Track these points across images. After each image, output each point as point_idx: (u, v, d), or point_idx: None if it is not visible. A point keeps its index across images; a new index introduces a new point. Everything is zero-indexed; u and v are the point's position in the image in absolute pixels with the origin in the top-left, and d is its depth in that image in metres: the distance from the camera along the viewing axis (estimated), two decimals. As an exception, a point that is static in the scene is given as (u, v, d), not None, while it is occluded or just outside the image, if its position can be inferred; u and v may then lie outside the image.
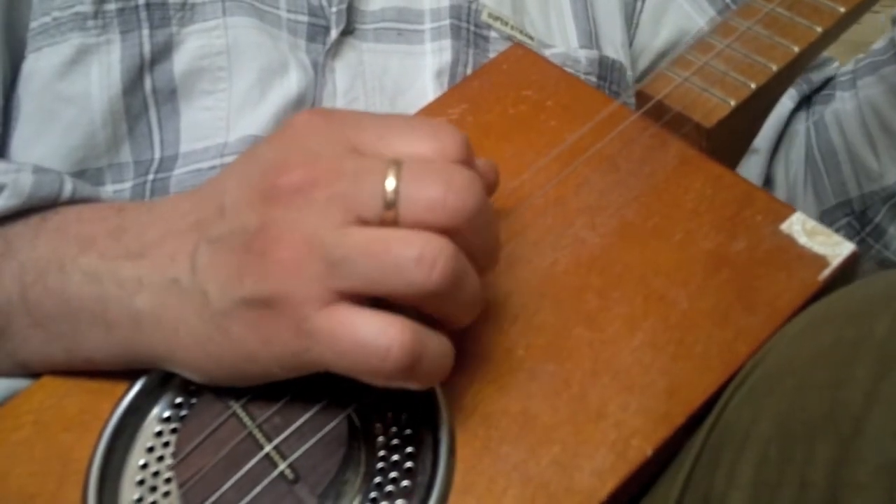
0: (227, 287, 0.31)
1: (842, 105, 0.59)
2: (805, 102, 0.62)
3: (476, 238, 0.30)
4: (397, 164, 0.30)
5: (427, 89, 0.50)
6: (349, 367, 0.29)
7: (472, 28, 0.52)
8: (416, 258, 0.28)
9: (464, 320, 0.31)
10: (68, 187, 0.38)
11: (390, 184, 0.29)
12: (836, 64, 0.63)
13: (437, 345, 0.30)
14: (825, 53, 0.60)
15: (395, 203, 0.29)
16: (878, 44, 0.58)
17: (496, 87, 0.46)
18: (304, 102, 0.48)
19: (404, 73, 0.50)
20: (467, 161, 0.31)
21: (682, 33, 0.60)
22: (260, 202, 0.30)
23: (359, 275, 0.29)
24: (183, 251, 0.32)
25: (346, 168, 0.30)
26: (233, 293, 0.30)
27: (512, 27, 0.53)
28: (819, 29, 0.43)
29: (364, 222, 0.29)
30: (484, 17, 0.52)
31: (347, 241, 0.29)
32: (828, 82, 0.62)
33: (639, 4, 0.60)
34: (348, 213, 0.29)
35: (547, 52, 0.53)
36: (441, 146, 0.31)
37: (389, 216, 0.29)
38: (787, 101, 0.61)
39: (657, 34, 0.60)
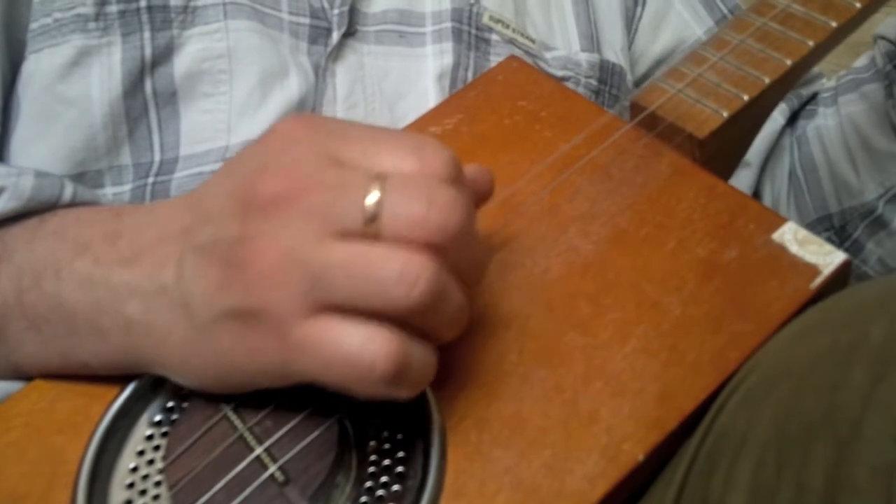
0: (210, 298, 0.30)
1: (824, 121, 0.59)
2: (793, 118, 0.63)
3: (459, 254, 0.30)
4: (380, 179, 0.29)
5: (428, 92, 0.49)
6: (335, 378, 0.29)
7: (473, 31, 0.51)
8: (397, 276, 0.28)
9: (447, 335, 0.31)
10: (68, 191, 0.38)
11: (372, 198, 0.28)
12: (823, 80, 0.63)
13: (422, 354, 0.29)
14: (816, 68, 0.60)
15: (377, 218, 0.28)
16: (860, 61, 0.59)
17: (492, 98, 0.46)
18: (305, 107, 0.47)
19: (405, 76, 0.50)
20: (453, 177, 0.30)
21: (680, 41, 0.60)
22: (240, 211, 0.30)
23: (340, 290, 0.28)
24: (171, 258, 0.32)
25: (326, 180, 0.29)
26: (215, 304, 0.30)
27: (513, 30, 0.53)
28: (811, 43, 0.43)
29: (344, 236, 0.29)
30: (485, 19, 0.52)
31: (328, 256, 0.28)
32: (814, 97, 0.62)
33: (638, 10, 0.60)
34: (328, 226, 0.29)
35: (548, 55, 0.53)
36: (425, 163, 0.30)
37: (371, 231, 0.28)
38: (778, 117, 0.61)
39: (655, 41, 0.60)
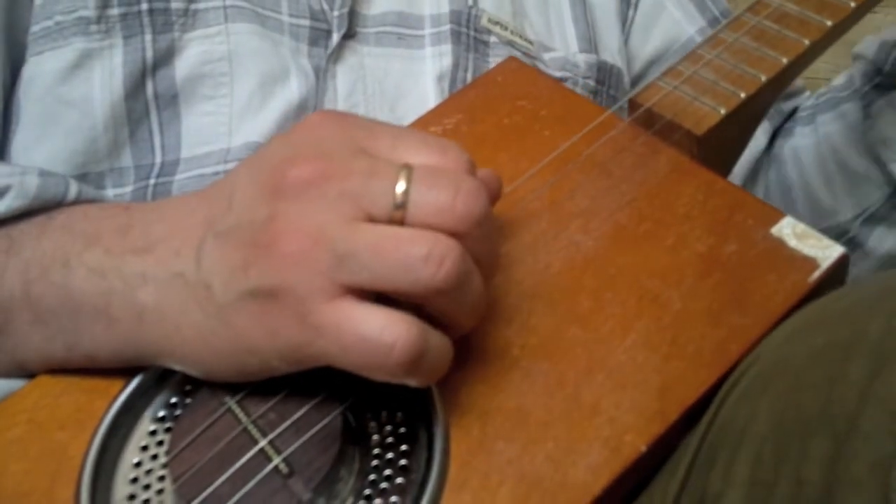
0: (233, 279, 0.30)
1: (801, 140, 0.60)
2: (774, 135, 0.63)
3: (479, 244, 0.30)
4: (408, 168, 0.30)
5: (428, 94, 0.50)
6: (353, 361, 0.29)
7: (472, 33, 0.52)
8: (425, 256, 0.28)
9: (466, 324, 0.31)
10: (73, 189, 0.38)
11: (401, 186, 0.29)
12: (806, 93, 0.63)
13: (439, 342, 0.30)
14: (800, 81, 0.60)
15: (405, 205, 0.29)
16: (839, 80, 0.59)
17: (491, 98, 0.46)
18: (306, 109, 0.47)
19: (405, 77, 0.50)
20: (472, 174, 0.32)
21: (672, 41, 0.60)
22: (269, 195, 0.30)
23: (366, 270, 0.28)
24: (189, 245, 0.32)
25: (357, 167, 0.30)
26: (237, 285, 0.30)
27: (511, 32, 0.53)
28: (807, 41, 0.44)
29: (370, 220, 0.29)
30: (484, 21, 0.52)
31: (355, 237, 0.29)
32: (794, 113, 0.62)
33: (631, 12, 0.60)
34: (357, 210, 0.29)
35: (546, 56, 0.53)
36: (448, 161, 0.31)
37: (397, 216, 0.29)
38: (761, 137, 0.61)
39: (647, 42, 0.61)
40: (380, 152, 0.31)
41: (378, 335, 0.28)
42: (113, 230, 0.34)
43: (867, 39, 0.56)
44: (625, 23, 0.60)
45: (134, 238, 0.34)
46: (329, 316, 0.29)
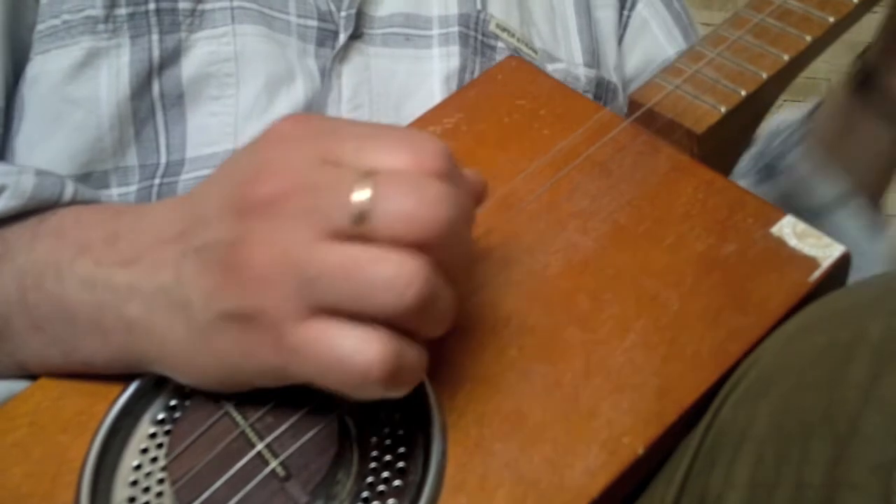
0: (209, 299, 0.30)
1: None
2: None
3: (450, 251, 0.29)
4: (368, 176, 0.28)
5: (434, 94, 0.49)
6: (332, 382, 0.28)
7: (479, 37, 0.51)
8: (390, 279, 0.27)
9: (434, 333, 0.30)
10: (69, 190, 0.38)
11: (360, 196, 0.28)
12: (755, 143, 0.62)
13: (413, 354, 0.29)
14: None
15: (367, 216, 0.28)
16: (755, 147, 0.57)
17: (491, 97, 0.46)
18: (311, 111, 0.47)
19: (412, 77, 0.49)
20: (447, 172, 0.30)
21: (649, 61, 0.59)
22: (234, 215, 0.30)
23: (333, 293, 0.28)
24: (170, 259, 0.32)
25: (316, 180, 0.29)
26: (213, 306, 0.30)
27: (518, 39, 0.52)
28: (808, 38, 0.43)
29: (337, 236, 0.28)
30: (492, 27, 0.52)
31: (321, 259, 0.28)
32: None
33: (621, 31, 0.60)
34: (319, 227, 0.28)
35: (549, 67, 0.53)
36: (417, 158, 0.29)
37: (364, 229, 0.28)
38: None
39: (629, 61, 0.60)
40: (346, 157, 0.30)
41: (352, 357, 0.27)
42: (101, 240, 0.34)
43: (773, 119, 0.55)
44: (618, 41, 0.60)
45: (121, 249, 0.33)
46: (303, 338, 0.28)
